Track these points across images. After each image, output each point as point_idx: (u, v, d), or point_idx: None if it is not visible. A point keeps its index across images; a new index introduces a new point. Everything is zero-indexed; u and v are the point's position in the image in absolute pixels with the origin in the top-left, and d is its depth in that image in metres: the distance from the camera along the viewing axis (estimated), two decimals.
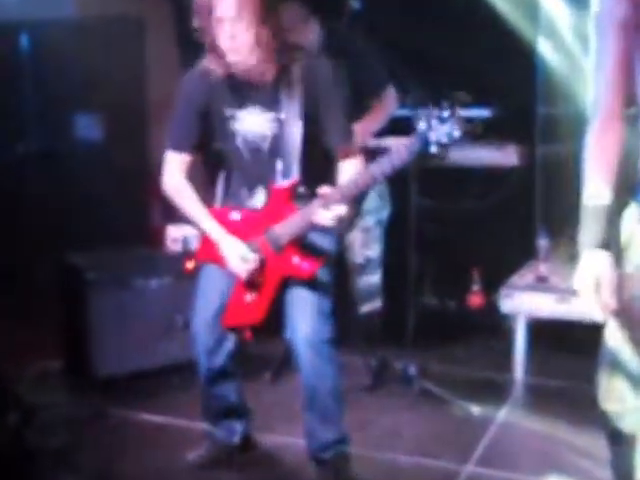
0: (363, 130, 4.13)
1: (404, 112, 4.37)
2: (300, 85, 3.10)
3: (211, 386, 3.40)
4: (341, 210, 3.00)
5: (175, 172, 3.25)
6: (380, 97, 4.25)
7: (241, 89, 3.14)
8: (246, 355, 3.48)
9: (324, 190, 3.01)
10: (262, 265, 3.15)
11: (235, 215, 3.22)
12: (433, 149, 2.86)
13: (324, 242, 3.22)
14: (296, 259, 3.12)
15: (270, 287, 3.17)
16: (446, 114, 2.83)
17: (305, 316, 3.16)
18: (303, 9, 4.05)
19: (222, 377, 3.38)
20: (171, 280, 4.45)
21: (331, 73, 3.14)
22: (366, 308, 4.50)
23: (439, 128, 2.84)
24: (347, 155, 3.17)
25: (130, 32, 5.68)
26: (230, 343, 3.32)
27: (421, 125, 2.86)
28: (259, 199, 3.20)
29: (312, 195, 3.07)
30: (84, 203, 5.63)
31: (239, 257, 3.15)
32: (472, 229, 5.20)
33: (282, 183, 3.14)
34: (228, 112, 3.16)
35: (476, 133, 2.87)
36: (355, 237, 4.42)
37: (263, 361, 4.43)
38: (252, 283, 3.17)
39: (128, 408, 4.05)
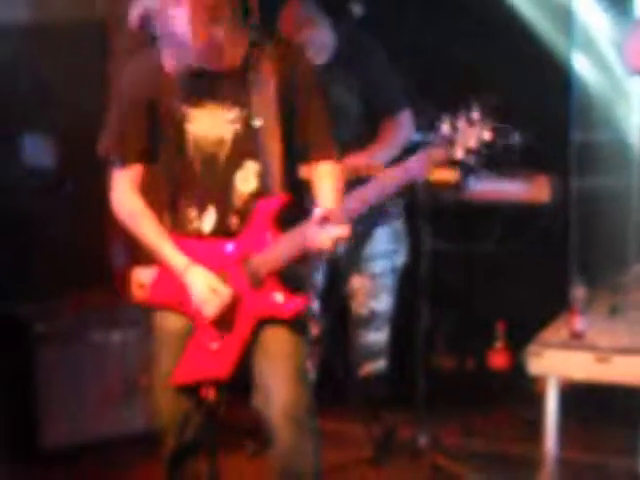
0: (374, 155, 4.21)
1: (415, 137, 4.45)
2: (274, 76, 3.08)
3: (178, 464, 3.30)
4: (342, 231, 2.96)
5: (126, 189, 3.19)
6: (395, 119, 4.33)
7: (198, 81, 3.08)
8: (222, 423, 3.34)
9: (323, 206, 3.00)
10: (235, 303, 3.08)
11: (203, 242, 3.13)
12: (459, 153, 2.88)
13: (304, 273, 3.21)
14: (279, 296, 3.06)
15: (243, 331, 3.08)
16: (475, 116, 2.86)
17: (282, 378, 3.09)
18: (311, 7, 4.17)
19: (192, 453, 3.28)
20: (136, 333, 4.48)
21: (310, 65, 3.17)
22: (369, 367, 4.53)
23: (466, 131, 2.87)
24: (325, 158, 3.15)
25: (90, 38, 5.73)
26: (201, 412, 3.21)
27: (444, 128, 2.89)
28: (209, 222, 3.13)
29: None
30: (32, 241, 5.63)
31: (207, 289, 3.06)
32: (495, 276, 5.26)
33: (267, 201, 3.08)
34: (179, 110, 3.10)
35: (513, 151, 2.90)
36: (361, 284, 4.46)
37: (243, 430, 4.40)
38: (220, 325, 3.09)
39: None
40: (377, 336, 4.55)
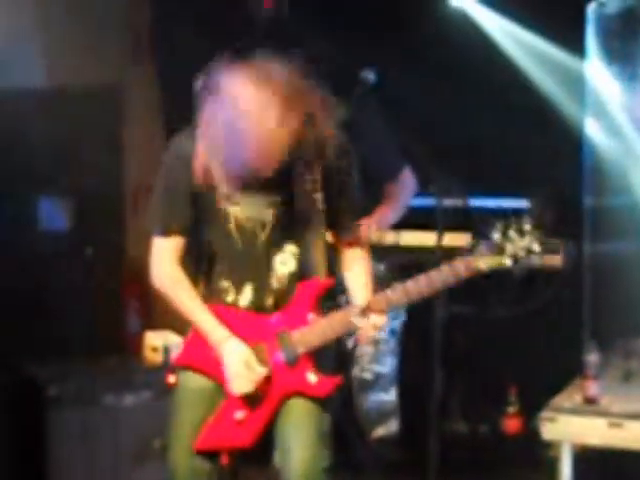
0: (378, 220, 4.25)
1: (427, 202, 4.49)
2: (317, 160, 3.13)
3: None
4: (381, 321, 3.05)
5: (166, 260, 3.20)
6: (396, 181, 4.38)
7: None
8: None
9: (366, 296, 3.08)
10: (268, 378, 3.12)
11: (242, 315, 3.17)
12: (507, 261, 2.97)
13: (332, 350, 3.23)
14: (312, 376, 3.11)
15: (271, 405, 3.13)
16: (527, 227, 2.95)
17: (303, 437, 3.13)
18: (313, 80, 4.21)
19: None
20: (149, 397, 4.50)
21: (348, 152, 3.22)
22: (379, 432, 4.52)
23: (516, 240, 2.96)
24: (354, 245, 3.26)
25: (106, 103, 5.81)
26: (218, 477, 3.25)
27: (495, 234, 2.97)
28: (246, 297, 3.18)
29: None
30: (47, 304, 5.66)
31: (243, 365, 3.09)
32: (508, 340, 5.26)
33: (310, 282, 3.16)
34: (222, 189, 3.13)
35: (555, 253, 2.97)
36: (363, 351, 4.47)
37: None
38: (249, 398, 3.12)
39: None
40: (385, 397, 4.56)
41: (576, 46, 5.21)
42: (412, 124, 4.75)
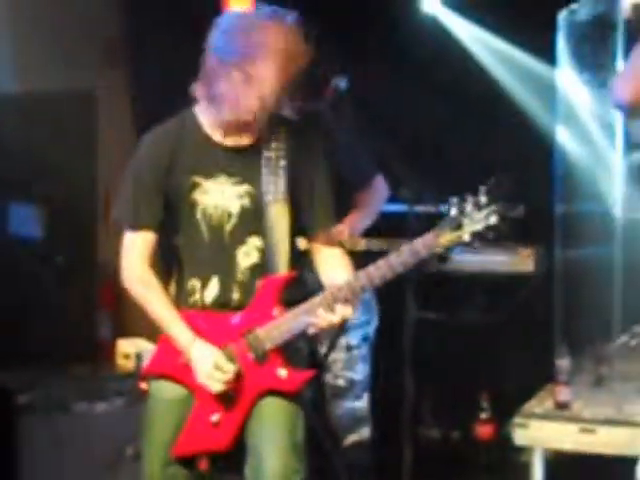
0: (350, 226, 4.26)
1: (397, 208, 4.51)
2: (284, 158, 3.16)
3: None
4: (347, 312, 3.04)
5: (137, 258, 3.19)
6: (368, 188, 4.39)
7: (213, 154, 3.17)
8: None
9: (329, 285, 3.07)
10: (238, 377, 3.12)
11: (207, 314, 3.17)
12: (466, 237, 2.95)
13: (304, 348, 3.25)
14: (282, 371, 3.11)
15: (245, 405, 3.13)
16: (484, 200, 2.93)
17: (276, 448, 3.11)
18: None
19: None
20: (121, 404, 4.49)
21: (320, 150, 3.26)
22: (352, 439, 4.52)
23: (474, 214, 2.94)
24: (330, 243, 3.26)
25: (79, 109, 5.78)
26: None
27: (452, 210, 2.95)
28: (211, 293, 3.18)
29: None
30: (17, 312, 5.63)
31: (213, 366, 3.08)
32: (480, 347, 5.28)
33: (275, 276, 3.15)
34: (192, 179, 3.16)
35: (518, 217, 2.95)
36: (336, 356, 4.47)
37: None
38: (222, 399, 3.12)
39: None
40: (358, 404, 4.56)
41: (547, 53, 5.23)
42: (382, 130, 4.75)
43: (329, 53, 4.42)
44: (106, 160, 5.80)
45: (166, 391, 3.24)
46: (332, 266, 3.23)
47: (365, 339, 4.54)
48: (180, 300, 3.23)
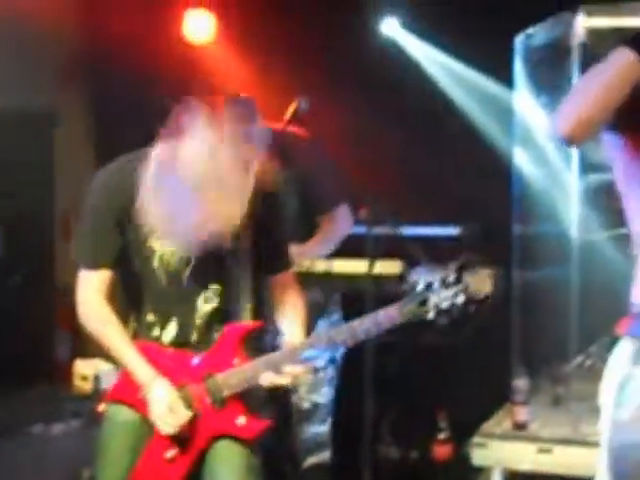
0: (310, 250, 4.27)
1: (358, 230, 4.51)
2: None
3: None
4: (305, 370, 3.05)
5: (94, 296, 3.12)
6: (331, 215, 4.39)
7: None
8: None
9: (291, 339, 3.09)
10: (194, 420, 3.08)
11: (169, 354, 3.15)
12: (431, 314, 2.94)
13: (263, 392, 3.19)
14: (240, 419, 3.09)
15: (198, 446, 3.10)
16: (452, 278, 2.94)
17: (232, 473, 3.10)
18: (247, 108, 4.20)
19: None
20: (78, 426, 4.45)
21: (278, 198, 3.27)
22: (312, 461, 4.52)
23: (441, 292, 2.93)
24: (287, 284, 3.25)
25: (38, 130, 5.76)
26: None
27: (419, 285, 2.95)
28: (170, 333, 3.15)
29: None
30: None
31: (167, 409, 3.04)
32: (438, 367, 5.29)
33: (237, 325, 3.13)
34: (147, 225, 3.04)
35: (483, 307, 2.97)
36: (303, 378, 4.47)
37: None
38: (177, 438, 3.09)
39: None
40: (321, 428, 4.56)
41: (505, 76, 5.28)
42: (342, 153, 4.77)
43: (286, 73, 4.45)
44: (64, 181, 5.80)
45: (123, 414, 3.20)
46: (290, 320, 3.22)
47: (332, 361, 4.54)
48: (140, 333, 3.20)
